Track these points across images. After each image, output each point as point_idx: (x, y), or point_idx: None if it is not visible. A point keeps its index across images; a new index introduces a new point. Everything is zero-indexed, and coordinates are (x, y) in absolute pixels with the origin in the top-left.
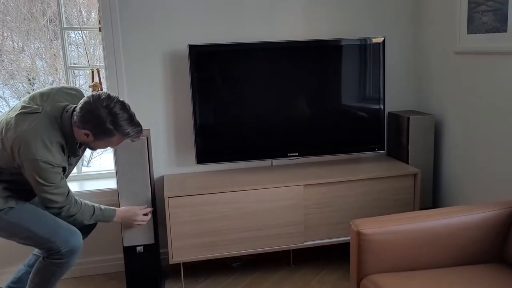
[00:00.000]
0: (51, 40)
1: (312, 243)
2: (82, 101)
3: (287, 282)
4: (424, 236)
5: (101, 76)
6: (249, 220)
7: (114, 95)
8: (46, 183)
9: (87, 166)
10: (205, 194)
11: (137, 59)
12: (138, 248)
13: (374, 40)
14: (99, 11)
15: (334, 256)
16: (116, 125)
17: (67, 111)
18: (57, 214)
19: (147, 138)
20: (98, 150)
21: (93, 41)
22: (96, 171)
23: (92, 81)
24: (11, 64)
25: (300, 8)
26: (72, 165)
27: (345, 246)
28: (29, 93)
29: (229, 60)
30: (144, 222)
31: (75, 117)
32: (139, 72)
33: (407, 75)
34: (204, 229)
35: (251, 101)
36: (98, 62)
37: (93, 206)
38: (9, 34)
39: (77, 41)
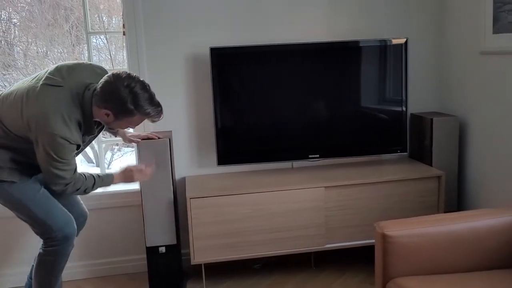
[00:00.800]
0: (73, 45)
1: (334, 246)
2: (102, 80)
3: (309, 284)
4: (450, 239)
5: None
6: (270, 221)
7: (134, 74)
8: (59, 159)
9: (108, 168)
10: (227, 195)
11: (160, 62)
12: (161, 249)
13: (397, 41)
14: (123, 16)
15: (356, 258)
16: (137, 105)
17: (89, 89)
18: (63, 190)
19: (169, 139)
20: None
21: (114, 46)
22: None
23: None
24: (35, 69)
25: (321, 9)
26: (85, 144)
27: (367, 248)
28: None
29: (250, 62)
30: (146, 177)
31: (96, 96)
32: (162, 74)
33: (430, 76)
34: (226, 230)
35: (271, 103)
36: (118, 66)
37: (92, 176)
38: (33, 39)
39: (97, 46)
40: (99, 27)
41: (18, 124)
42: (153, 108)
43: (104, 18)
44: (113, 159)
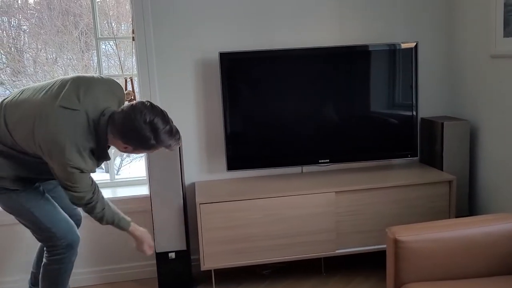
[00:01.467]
0: (82, 51)
1: (344, 251)
2: (121, 115)
3: None
4: (463, 244)
5: (134, 85)
6: (280, 227)
7: (154, 105)
8: (73, 185)
9: (117, 174)
10: (237, 200)
11: (169, 67)
12: (170, 254)
13: (406, 45)
14: (132, 21)
15: (366, 264)
16: (158, 140)
17: (104, 115)
18: (88, 211)
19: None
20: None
21: (123, 52)
22: (128, 178)
23: (126, 89)
24: (45, 75)
25: (330, 14)
26: (99, 166)
27: (378, 254)
28: (68, 76)
29: (259, 67)
30: (145, 252)
31: (113, 128)
32: (172, 80)
33: (440, 80)
34: (235, 235)
35: (281, 108)
36: (127, 72)
37: (114, 211)
38: (43, 46)
39: (107, 52)
40: (108, 33)
41: (28, 143)
42: (173, 140)
43: (114, 24)
44: (122, 165)
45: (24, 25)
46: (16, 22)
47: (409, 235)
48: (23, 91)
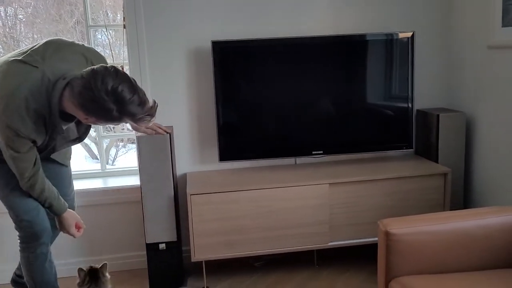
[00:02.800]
0: (78, 40)
1: (338, 244)
2: (81, 82)
3: (311, 283)
4: (456, 237)
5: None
6: (273, 219)
7: (120, 70)
8: (13, 149)
9: (112, 165)
10: (228, 192)
11: (161, 56)
12: (161, 246)
13: (403, 35)
14: (123, 8)
15: (359, 257)
16: (123, 112)
17: (64, 78)
18: (28, 188)
19: (169, 135)
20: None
21: (118, 42)
22: (119, 168)
23: None
24: None
25: (326, 2)
26: (56, 140)
27: (371, 247)
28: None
29: (253, 57)
30: (73, 235)
31: (73, 97)
32: (163, 69)
33: (437, 71)
34: (227, 227)
35: (274, 98)
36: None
37: (54, 193)
38: (39, 35)
39: (103, 42)
40: (104, 23)
41: None
42: (142, 111)
43: (110, 14)
44: (118, 155)
45: (20, 14)
46: (12, 11)
47: (401, 228)
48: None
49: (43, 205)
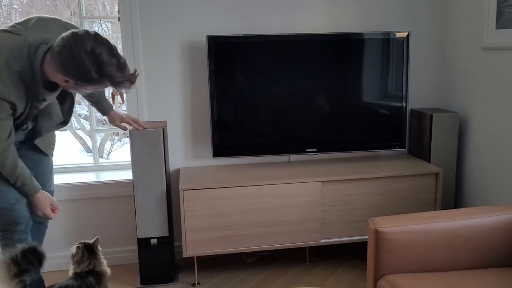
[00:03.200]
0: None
1: (329, 241)
2: (61, 42)
3: (302, 279)
4: (445, 236)
5: None
6: (265, 215)
7: (100, 35)
8: None
9: (107, 159)
10: (221, 187)
11: (155, 50)
12: (152, 241)
13: (398, 34)
14: (118, 1)
15: (351, 255)
16: (101, 74)
17: (46, 43)
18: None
19: (163, 129)
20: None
21: (115, 35)
22: (112, 162)
23: None
24: None
25: (321, 0)
26: (37, 109)
27: (363, 245)
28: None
29: (248, 53)
30: (48, 216)
31: (52, 58)
32: (157, 62)
33: (432, 71)
34: (219, 223)
35: (270, 95)
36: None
37: (26, 171)
38: None
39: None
40: (99, 14)
41: None
42: (121, 75)
43: (107, 6)
44: (113, 149)
45: (15, 4)
46: (8, 1)
47: (390, 226)
48: None
49: (14, 184)
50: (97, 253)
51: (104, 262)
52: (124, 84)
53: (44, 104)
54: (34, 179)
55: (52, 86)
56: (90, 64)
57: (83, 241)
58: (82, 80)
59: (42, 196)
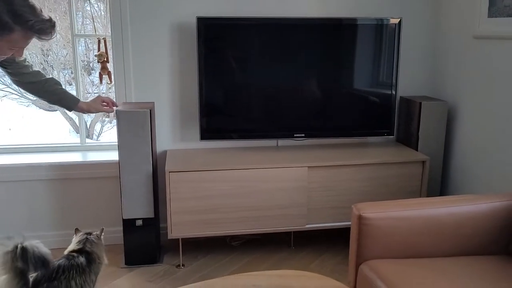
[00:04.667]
0: (65, 12)
1: (315, 226)
2: None
3: (286, 264)
4: (428, 223)
5: (107, 46)
6: (251, 199)
7: None
8: None
9: (96, 140)
10: (208, 170)
11: (144, 30)
12: (138, 222)
13: (390, 21)
14: None
15: (336, 240)
16: (15, 16)
17: None
18: None
19: (150, 110)
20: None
21: (108, 15)
22: (100, 142)
23: (98, 50)
24: None
25: None
26: None
27: (348, 230)
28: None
29: (238, 35)
30: (106, 111)
31: None
32: (146, 43)
33: (423, 59)
34: (205, 206)
35: (259, 79)
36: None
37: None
38: None
39: (94, 14)
40: None
41: None
42: (38, 20)
43: None
44: (103, 130)
45: None
46: None
47: (374, 212)
48: None
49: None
50: (95, 241)
51: (104, 252)
52: (45, 30)
53: None
54: (69, 93)
55: None
56: (1, 7)
57: (88, 231)
58: None
59: (85, 104)
